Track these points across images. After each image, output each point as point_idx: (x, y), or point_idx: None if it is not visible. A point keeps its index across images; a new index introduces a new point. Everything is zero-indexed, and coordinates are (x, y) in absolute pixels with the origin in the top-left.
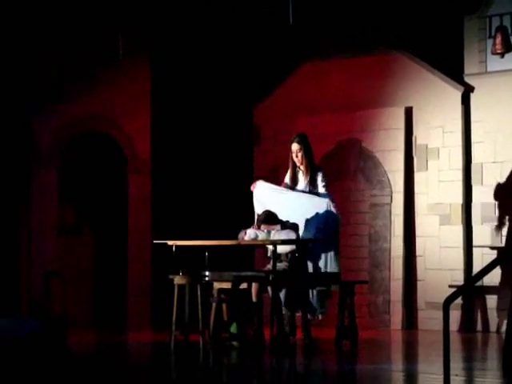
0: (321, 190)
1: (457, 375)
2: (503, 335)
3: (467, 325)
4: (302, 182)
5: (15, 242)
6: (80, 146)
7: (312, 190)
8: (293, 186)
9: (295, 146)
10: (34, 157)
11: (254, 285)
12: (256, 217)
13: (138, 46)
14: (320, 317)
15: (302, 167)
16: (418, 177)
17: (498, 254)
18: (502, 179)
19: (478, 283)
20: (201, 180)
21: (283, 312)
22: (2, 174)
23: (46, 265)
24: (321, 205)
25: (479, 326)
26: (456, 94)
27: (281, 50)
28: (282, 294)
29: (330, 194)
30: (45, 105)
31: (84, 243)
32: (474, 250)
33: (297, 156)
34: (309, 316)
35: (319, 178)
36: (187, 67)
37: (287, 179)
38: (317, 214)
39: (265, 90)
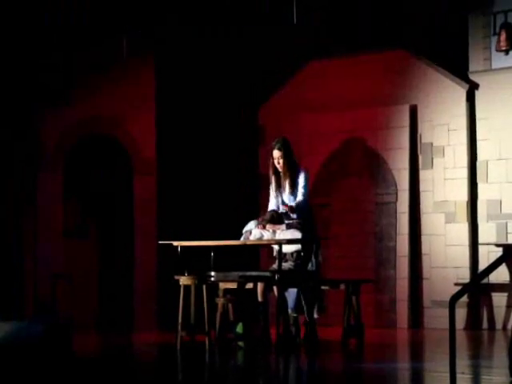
0: (299, 191)
1: (463, 373)
2: (509, 333)
3: (473, 322)
4: (287, 187)
5: (21, 245)
6: (85, 148)
7: (296, 192)
8: (279, 195)
9: (277, 153)
10: (40, 159)
11: (259, 285)
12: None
13: (143, 47)
14: (316, 316)
15: (284, 173)
16: (423, 175)
17: (504, 252)
18: (507, 176)
19: (484, 281)
20: (206, 180)
21: (289, 313)
22: (7, 176)
23: (52, 267)
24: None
25: (485, 324)
26: (461, 92)
27: (285, 50)
28: (290, 298)
29: (308, 196)
30: (50, 107)
31: (90, 245)
32: (480, 247)
33: (278, 163)
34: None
35: (300, 179)
36: (192, 67)
37: (273, 189)
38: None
39: (269, 90)
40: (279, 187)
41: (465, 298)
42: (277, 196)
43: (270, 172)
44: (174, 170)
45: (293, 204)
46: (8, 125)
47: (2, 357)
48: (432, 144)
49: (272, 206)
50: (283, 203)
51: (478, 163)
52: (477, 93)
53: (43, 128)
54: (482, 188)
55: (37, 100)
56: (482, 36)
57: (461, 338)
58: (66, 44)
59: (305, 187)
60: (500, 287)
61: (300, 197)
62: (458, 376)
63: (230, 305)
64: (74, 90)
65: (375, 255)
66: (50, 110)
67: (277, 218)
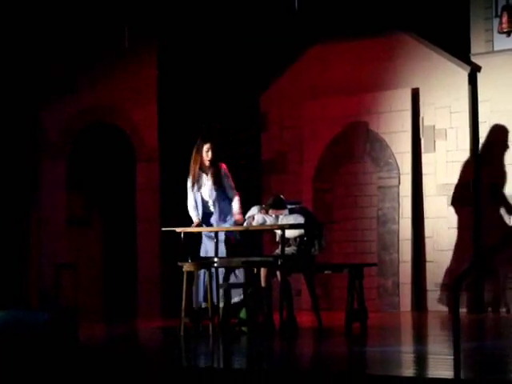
0: (229, 190)
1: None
2: None
3: (477, 305)
4: (208, 181)
5: (25, 233)
6: (88, 136)
7: (218, 188)
8: (199, 186)
9: (210, 145)
10: (43, 147)
11: (262, 270)
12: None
13: (145, 35)
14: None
15: (208, 166)
16: (426, 158)
17: (507, 234)
18: (510, 159)
19: None
20: None
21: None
22: (11, 164)
23: (56, 256)
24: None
25: (489, 307)
26: (463, 74)
27: (286, 36)
28: (200, 290)
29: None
30: (53, 96)
31: (93, 233)
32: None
33: (207, 150)
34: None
35: (224, 174)
36: (193, 55)
37: (191, 182)
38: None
39: (271, 77)
40: (198, 180)
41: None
42: (194, 188)
43: (195, 162)
44: (176, 158)
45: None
46: (12, 112)
47: (7, 344)
48: (434, 127)
49: (191, 200)
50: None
51: (480, 146)
52: (479, 75)
53: (47, 116)
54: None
55: (41, 88)
56: (484, 18)
57: (464, 320)
58: (69, 33)
59: (229, 178)
60: (503, 270)
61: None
62: (462, 358)
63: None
64: (77, 78)
65: (378, 239)
66: (54, 99)
67: (279, 203)
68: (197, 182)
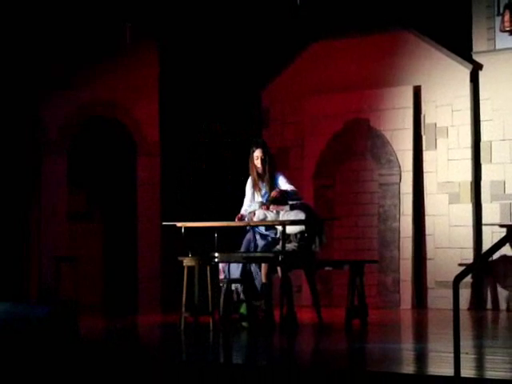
0: (288, 187)
1: (467, 353)
2: None
3: (477, 303)
4: (263, 188)
5: (26, 228)
6: (89, 131)
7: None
8: (255, 193)
9: (258, 152)
10: (44, 143)
11: (263, 266)
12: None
13: (146, 30)
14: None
15: (262, 173)
16: (427, 155)
17: (508, 232)
18: (511, 157)
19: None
20: (209, 162)
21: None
22: (12, 160)
23: (57, 250)
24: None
25: (489, 304)
26: (464, 72)
27: (288, 32)
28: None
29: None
30: (54, 91)
31: (94, 228)
32: (484, 228)
33: (257, 158)
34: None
35: (282, 180)
36: (195, 50)
37: (250, 187)
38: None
39: (273, 72)
40: (254, 186)
41: (469, 279)
42: (253, 194)
43: (252, 169)
44: (177, 152)
45: (288, 189)
46: (13, 108)
47: (7, 338)
48: (436, 125)
49: (247, 203)
50: (263, 204)
51: (481, 144)
52: (480, 73)
53: (48, 111)
54: (485, 168)
55: (41, 84)
56: (486, 16)
57: (465, 318)
58: (71, 28)
59: (291, 185)
60: (504, 267)
61: (292, 187)
62: (462, 356)
63: (233, 286)
64: (78, 74)
65: (379, 236)
66: (55, 94)
67: (281, 199)
68: (253, 186)
